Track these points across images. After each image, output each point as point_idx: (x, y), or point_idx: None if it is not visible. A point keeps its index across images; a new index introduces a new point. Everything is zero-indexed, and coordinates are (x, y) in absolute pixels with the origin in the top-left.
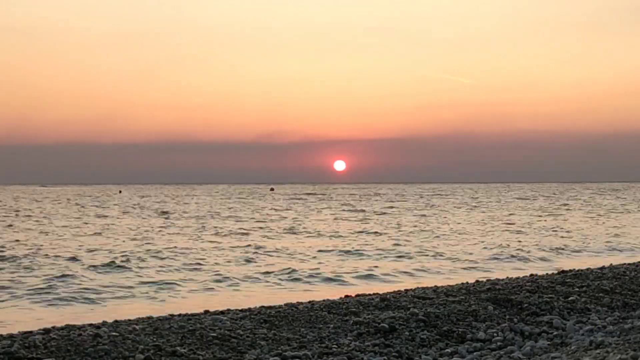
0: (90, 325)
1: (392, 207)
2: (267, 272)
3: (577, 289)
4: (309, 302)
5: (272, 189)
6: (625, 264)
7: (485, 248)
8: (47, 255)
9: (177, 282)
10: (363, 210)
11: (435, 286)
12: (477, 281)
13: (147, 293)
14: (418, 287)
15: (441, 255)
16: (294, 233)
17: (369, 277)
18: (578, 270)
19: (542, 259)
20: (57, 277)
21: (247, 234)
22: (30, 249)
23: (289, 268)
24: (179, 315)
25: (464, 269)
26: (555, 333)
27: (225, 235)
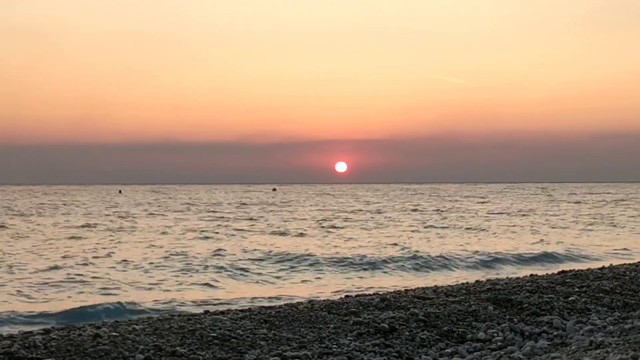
0: (90, 325)
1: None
2: None
3: (577, 289)
4: (309, 302)
5: (274, 189)
6: (625, 264)
7: None
8: None
9: None
10: None
11: (435, 286)
12: (477, 281)
13: None
14: (418, 287)
15: None
16: None
17: None
18: (578, 270)
19: None
20: None
21: None
22: None
23: None
24: (179, 315)
25: None
26: (555, 333)
27: None
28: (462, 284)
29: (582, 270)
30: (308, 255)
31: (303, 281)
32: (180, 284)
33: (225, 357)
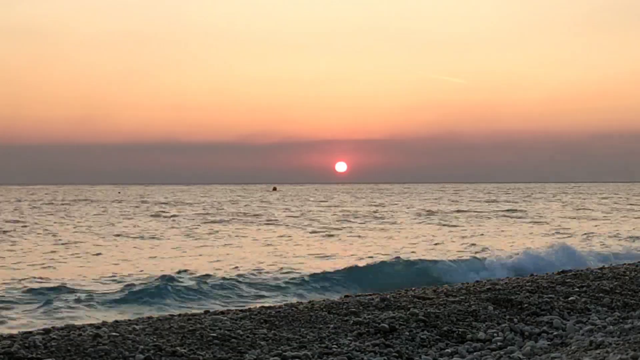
0: (90, 325)
1: None
2: None
3: (577, 289)
4: (309, 302)
5: (274, 189)
6: (625, 263)
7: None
8: None
9: None
10: None
11: (436, 286)
12: (477, 281)
13: None
14: (418, 287)
15: None
16: None
17: None
18: (578, 270)
19: None
20: None
21: None
22: None
23: None
24: (179, 315)
25: None
26: (555, 333)
27: None
28: (462, 284)
29: (582, 270)
30: None
31: None
32: None
33: (225, 357)
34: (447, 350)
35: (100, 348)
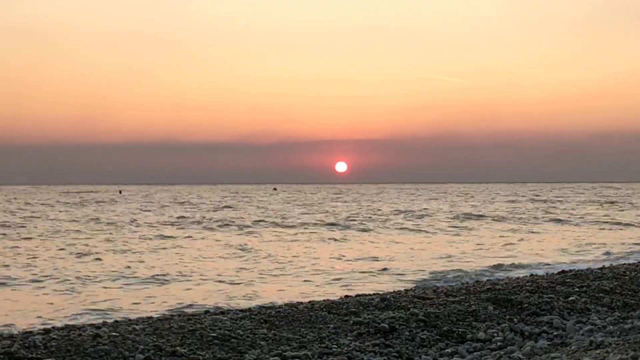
0: (90, 325)
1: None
2: None
3: (577, 289)
4: (309, 302)
5: (274, 189)
6: (625, 264)
7: None
8: None
9: None
10: None
11: (435, 286)
12: (477, 281)
13: None
14: (418, 287)
15: None
16: None
17: None
18: (578, 270)
19: None
20: None
21: None
22: None
23: None
24: (179, 315)
25: None
26: (555, 333)
27: None
28: (462, 284)
29: (582, 270)
30: None
31: None
32: None
33: (225, 357)
34: (447, 350)
35: (100, 348)
